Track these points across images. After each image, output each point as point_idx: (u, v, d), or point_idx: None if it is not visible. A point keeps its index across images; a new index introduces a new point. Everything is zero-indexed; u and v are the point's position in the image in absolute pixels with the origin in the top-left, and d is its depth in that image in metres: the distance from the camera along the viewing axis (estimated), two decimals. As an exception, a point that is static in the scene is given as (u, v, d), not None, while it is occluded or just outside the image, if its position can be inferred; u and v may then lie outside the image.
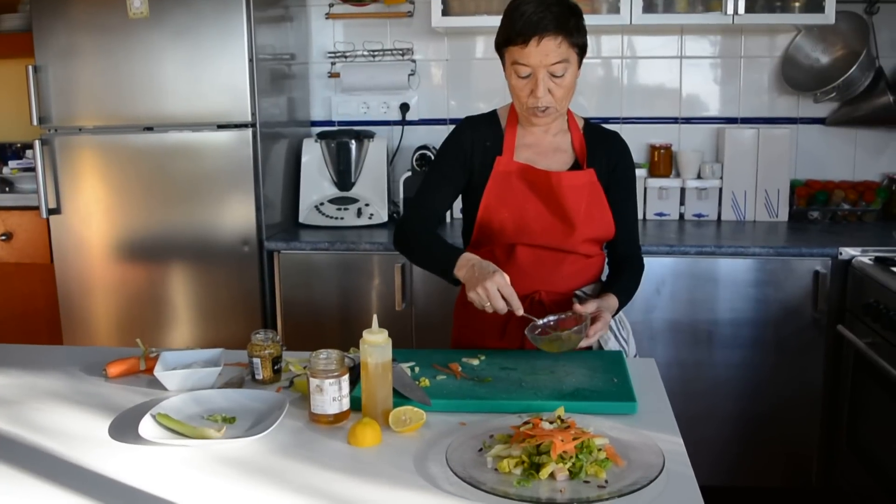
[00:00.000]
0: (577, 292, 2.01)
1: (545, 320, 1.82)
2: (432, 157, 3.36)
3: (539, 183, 1.95)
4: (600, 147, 2.01)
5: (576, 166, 1.99)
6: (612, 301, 1.93)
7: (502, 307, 1.72)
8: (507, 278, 1.73)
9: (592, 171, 1.97)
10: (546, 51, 1.81)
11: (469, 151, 1.99)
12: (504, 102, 2.06)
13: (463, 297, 2.12)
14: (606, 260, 2.11)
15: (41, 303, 3.28)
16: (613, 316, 1.97)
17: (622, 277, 2.04)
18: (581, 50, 1.87)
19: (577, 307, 1.82)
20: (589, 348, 2.00)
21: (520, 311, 1.74)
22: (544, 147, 2.00)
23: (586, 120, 2.07)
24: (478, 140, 2.00)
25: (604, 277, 2.11)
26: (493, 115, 2.05)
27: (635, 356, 2.08)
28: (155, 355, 1.81)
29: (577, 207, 1.95)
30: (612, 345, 2.01)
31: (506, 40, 1.86)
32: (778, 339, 2.91)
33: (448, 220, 3.43)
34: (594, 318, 1.82)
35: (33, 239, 3.30)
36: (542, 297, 1.98)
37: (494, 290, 1.71)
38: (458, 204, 3.23)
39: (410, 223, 2.01)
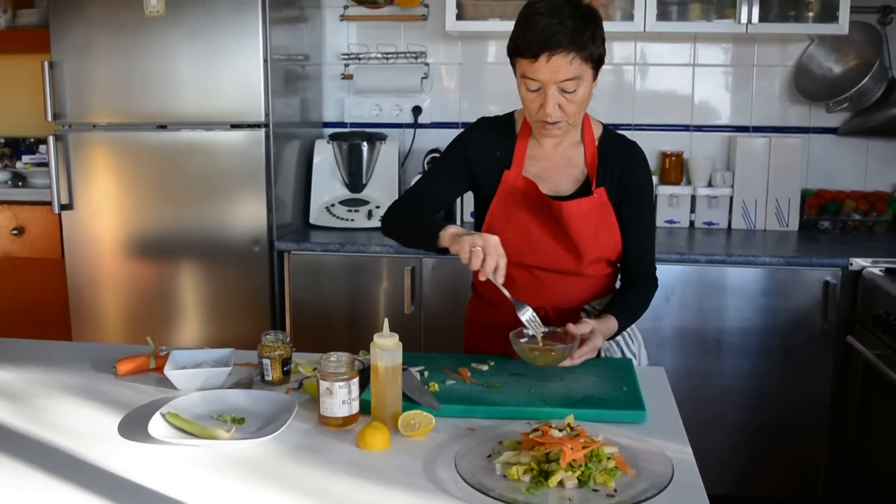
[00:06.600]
0: (586, 306, 1.97)
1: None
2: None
3: (544, 207, 1.88)
4: (614, 160, 1.90)
5: (586, 183, 1.91)
6: (610, 323, 1.84)
7: (491, 264, 1.62)
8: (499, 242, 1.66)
9: (602, 190, 1.89)
10: (556, 67, 1.71)
11: (475, 152, 1.94)
12: (518, 106, 2.04)
13: (474, 303, 2.11)
14: (619, 274, 2.04)
15: (51, 298, 3.29)
16: (613, 338, 1.91)
17: (627, 298, 1.95)
18: (597, 62, 1.76)
19: (571, 327, 1.74)
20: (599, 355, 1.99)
21: (501, 280, 1.65)
22: (555, 161, 1.92)
23: (605, 127, 1.98)
24: (488, 145, 1.94)
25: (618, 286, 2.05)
26: (509, 118, 1.98)
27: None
28: (165, 354, 1.82)
29: (583, 234, 1.88)
30: None
31: (515, 51, 1.76)
32: (787, 349, 2.90)
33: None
34: (583, 341, 1.74)
35: (45, 234, 3.32)
36: (548, 312, 1.94)
37: (490, 246, 1.63)
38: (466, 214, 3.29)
39: (399, 204, 1.97)
